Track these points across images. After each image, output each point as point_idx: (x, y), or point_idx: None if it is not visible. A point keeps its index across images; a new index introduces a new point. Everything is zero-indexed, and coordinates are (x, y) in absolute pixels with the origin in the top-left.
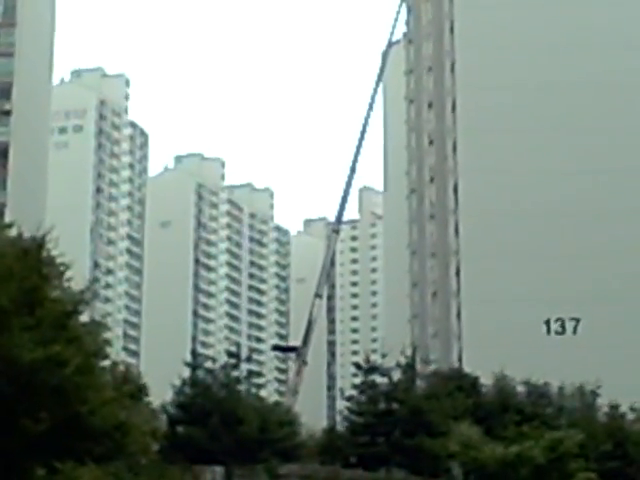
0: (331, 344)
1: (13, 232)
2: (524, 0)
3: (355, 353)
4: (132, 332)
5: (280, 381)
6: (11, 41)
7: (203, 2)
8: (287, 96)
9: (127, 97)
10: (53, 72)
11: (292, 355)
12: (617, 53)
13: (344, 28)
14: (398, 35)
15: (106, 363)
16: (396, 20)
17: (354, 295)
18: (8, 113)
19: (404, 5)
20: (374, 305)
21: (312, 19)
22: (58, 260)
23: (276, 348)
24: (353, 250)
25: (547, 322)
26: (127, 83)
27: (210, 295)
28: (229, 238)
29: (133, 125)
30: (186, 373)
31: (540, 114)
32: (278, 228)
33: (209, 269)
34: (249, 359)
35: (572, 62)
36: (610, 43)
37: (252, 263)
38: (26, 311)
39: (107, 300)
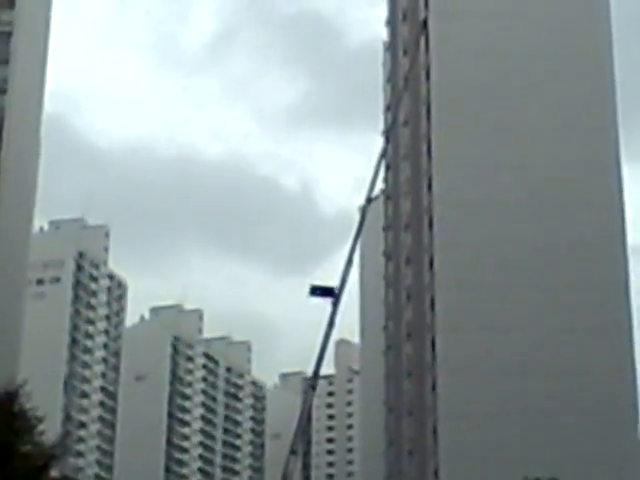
0: None
1: None
2: (498, 155)
3: None
4: None
5: None
6: None
7: (180, 158)
8: (265, 247)
9: (106, 249)
10: (33, 225)
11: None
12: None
13: (324, 179)
14: (376, 191)
15: None
16: (375, 176)
17: (330, 452)
18: None
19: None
20: (350, 462)
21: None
22: (30, 413)
23: (314, 290)
24: (329, 406)
25: None
26: (107, 234)
27: (183, 450)
28: (204, 392)
29: (111, 277)
30: None
31: (519, 269)
32: (254, 382)
33: (183, 423)
34: None
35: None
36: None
37: (227, 417)
38: None
39: (79, 454)
